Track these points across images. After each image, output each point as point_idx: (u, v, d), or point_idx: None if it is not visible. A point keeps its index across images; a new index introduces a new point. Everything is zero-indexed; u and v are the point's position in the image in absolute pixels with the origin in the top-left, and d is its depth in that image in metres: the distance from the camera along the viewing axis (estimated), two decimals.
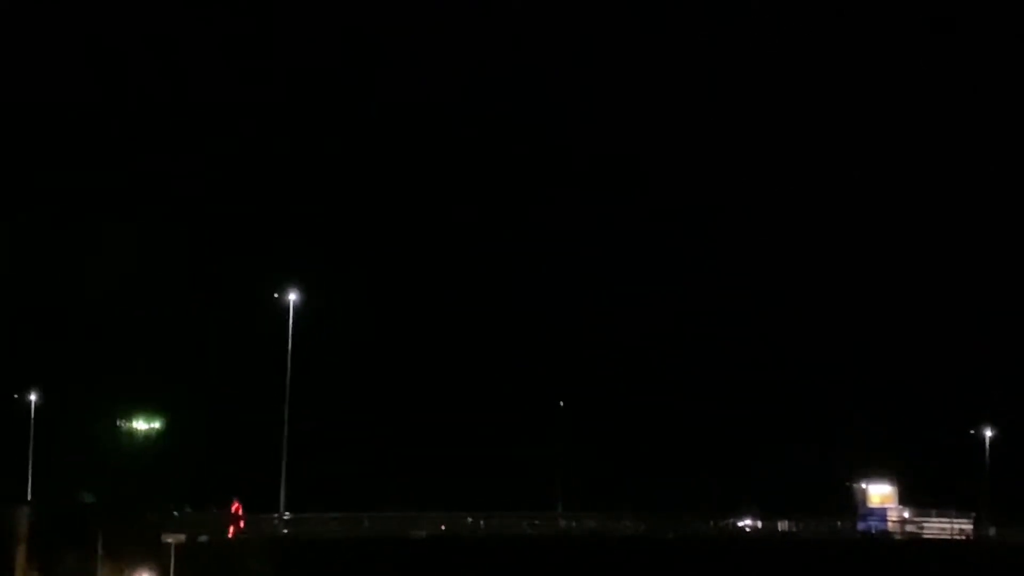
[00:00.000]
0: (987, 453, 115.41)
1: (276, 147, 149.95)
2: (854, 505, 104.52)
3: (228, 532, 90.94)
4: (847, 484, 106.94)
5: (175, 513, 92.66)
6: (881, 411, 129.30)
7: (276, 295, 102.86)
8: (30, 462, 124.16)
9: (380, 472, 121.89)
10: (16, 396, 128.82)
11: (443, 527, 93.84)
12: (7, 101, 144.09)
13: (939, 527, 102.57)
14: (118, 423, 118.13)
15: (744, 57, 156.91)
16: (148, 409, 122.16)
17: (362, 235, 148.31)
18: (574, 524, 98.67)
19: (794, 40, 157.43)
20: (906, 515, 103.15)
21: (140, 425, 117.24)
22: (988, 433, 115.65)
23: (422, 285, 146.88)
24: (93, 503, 79.43)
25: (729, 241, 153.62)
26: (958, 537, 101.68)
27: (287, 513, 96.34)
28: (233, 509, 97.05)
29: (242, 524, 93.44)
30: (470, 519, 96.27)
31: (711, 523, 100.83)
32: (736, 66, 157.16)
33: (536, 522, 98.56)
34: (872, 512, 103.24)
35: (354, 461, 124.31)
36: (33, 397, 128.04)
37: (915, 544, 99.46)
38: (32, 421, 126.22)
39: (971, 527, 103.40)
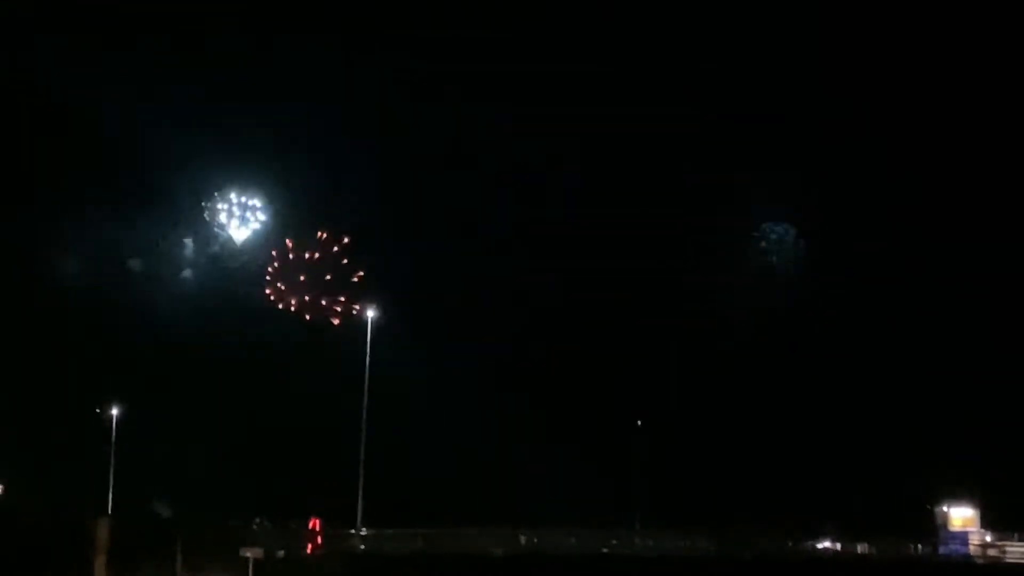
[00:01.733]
0: None
1: None
2: (935, 528, 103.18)
3: (306, 548, 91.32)
4: (928, 507, 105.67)
5: (255, 526, 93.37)
6: (963, 433, 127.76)
7: (355, 310, 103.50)
8: (111, 474, 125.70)
9: (459, 489, 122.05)
10: (98, 410, 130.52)
11: (520, 544, 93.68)
12: None
13: (1021, 552, 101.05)
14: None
15: None
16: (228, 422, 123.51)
17: (435, 252, 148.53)
18: (651, 543, 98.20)
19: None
20: (988, 539, 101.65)
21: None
22: None
23: (493, 296, 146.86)
24: (172, 515, 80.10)
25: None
26: None
27: (364, 529, 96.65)
28: (311, 526, 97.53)
29: (320, 540, 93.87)
30: (540, 538, 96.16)
31: (789, 544, 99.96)
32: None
33: (614, 541, 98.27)
34: (953, 535, 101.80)
35: (434, 477, 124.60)
36: (114, 411, 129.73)
37: (997, 569, 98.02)
38: (113, 434, 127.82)
39: None
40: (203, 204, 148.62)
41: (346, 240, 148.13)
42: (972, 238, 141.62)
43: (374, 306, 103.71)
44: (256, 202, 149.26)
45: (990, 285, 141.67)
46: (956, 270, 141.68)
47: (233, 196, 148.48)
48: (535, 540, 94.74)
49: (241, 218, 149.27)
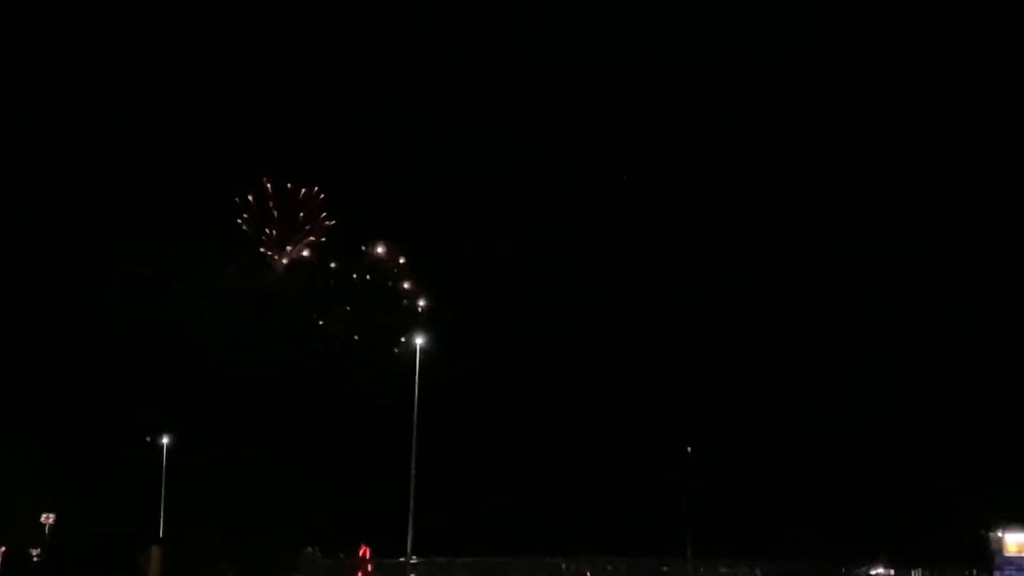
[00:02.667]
0: None
1: None
2: (990, 554, 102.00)
3: None
4: (982, 532, 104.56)
5: (307, 551, 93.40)
6: (1019, 456, 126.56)
7: (404, 338, 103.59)
8: (162, 502, 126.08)
9: (507, 515, 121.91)
10: (149, 439, 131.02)
11: (571, 572, 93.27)
12: None
13: None
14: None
15: None
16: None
17: (478, 275, 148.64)
18: (702, 570, 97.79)
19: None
20: None
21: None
22: None
23: (539, 323, 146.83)
24: (223, 544, 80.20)
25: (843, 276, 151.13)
26: None
27: (414, 557, 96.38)
28: (361, 553, 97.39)
29: (370, 568, 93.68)
30: (596, 564, 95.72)
31: (843, 570, 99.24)
32: None
33: (665, 568, 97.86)
34: (1010, 561, 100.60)
35: (481, 504, 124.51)
36: (165, 440, 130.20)
37: None
38: (164, 462, 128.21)
39: None
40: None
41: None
42: None
43: (422, 333, 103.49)
44: None
45: None
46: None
47: None
48: (586, 570, 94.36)
49: None
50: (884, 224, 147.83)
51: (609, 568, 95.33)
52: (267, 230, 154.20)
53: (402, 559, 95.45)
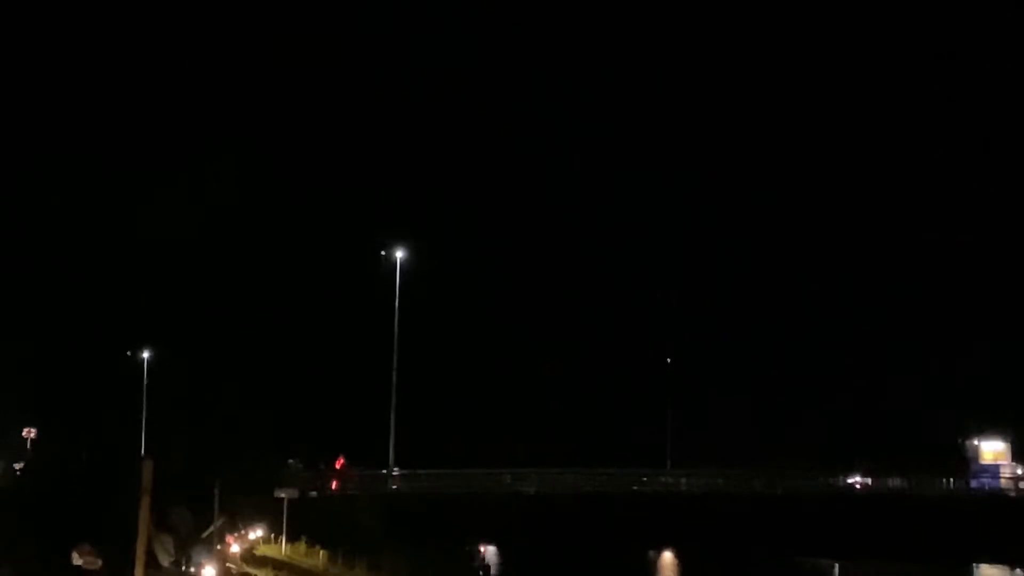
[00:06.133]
0: None
1: None
2: (966, 462, 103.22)
3: (331, 486, 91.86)
4: (959, 440, 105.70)
5: (288, 463, 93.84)
6: (993, 366, 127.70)
7: (383, 252, 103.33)
8: (143, 418, 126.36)
9: (487, 428, 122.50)
10: (129, 353, 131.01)
11: (552, 483, 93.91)
12: None
13: None
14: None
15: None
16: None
17: (468, 191, 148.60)
18: (682, 480, 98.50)
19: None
20: (1019, 472, 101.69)
21: None
22: None
23: (525, 242, 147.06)
24: (208, 457, 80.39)
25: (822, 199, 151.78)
26: None
27: (396, 469, 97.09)
28: (338, 464, 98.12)
29: (354, 476, 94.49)
30: (577, 475, 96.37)
31: (820, 480, 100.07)
32: None
33: (644, 478, 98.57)
34: (984, 469, 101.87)
35: (463, 417, 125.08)
36: (146, 354, 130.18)
37: None
38: (145, 378, 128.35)
39: None
40: None
41: None
42: None
43: (403, 244, 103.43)
44: None
45: None
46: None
47: None
48: (568, 480, 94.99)
49: None
50: None
51: (577, 477, 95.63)
52: None
53: (384, 471, 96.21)
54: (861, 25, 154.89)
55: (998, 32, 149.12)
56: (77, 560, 41.18)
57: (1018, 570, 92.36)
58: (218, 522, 56.96)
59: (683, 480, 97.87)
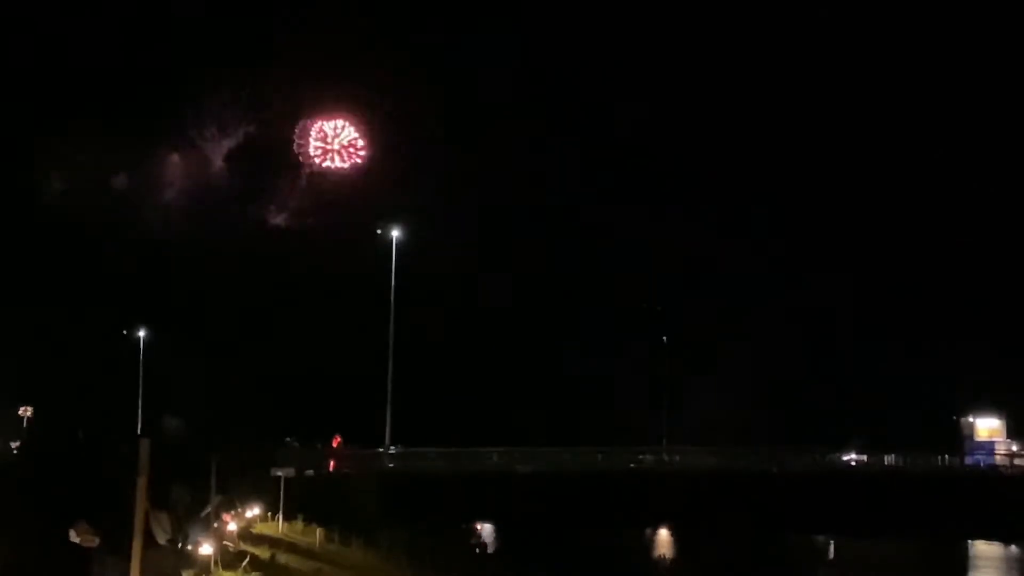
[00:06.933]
0: None
1: None
2: (961, 439, 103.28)
3: (329, 466, 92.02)
4: (954, 418, 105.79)
5: (285, 442, 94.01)
6: (990, 345, 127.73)
7: (379, 231, 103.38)
8: (139, 396, 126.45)
9: (484, 406, 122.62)
10: (125, 332, 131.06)
11: (548, 462, 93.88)
12: None
13: None
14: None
15: None
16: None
17: (461, 173, 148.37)
18: (677, 458, 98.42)
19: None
20: (1014, 449, 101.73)
21: None
22: None
23: (521, 222, 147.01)
24: (206, 436, 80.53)
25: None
26: None
27: (392, 447, 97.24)
28: (334, 444, 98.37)
29: (347, 453, 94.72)
30: (573, 453, 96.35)
31: (815, 457, 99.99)
32: None
33: (640, 457, 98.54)
34: (980, 446, 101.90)
35: (459, 396, 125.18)
36: (142, 333, 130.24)
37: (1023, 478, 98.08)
38: (141, 357, 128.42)
39: None
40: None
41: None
42: None
43: (398, 225, 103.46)
44: None
45: None
46: None
47: None
48: (565, 457, 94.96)
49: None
50: None
51: (573, 456, 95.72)
52: None
53: (381, 449, 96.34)
54: (861, 25, 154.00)
55: (998, 32, 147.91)
56: (74, 537, 41.21)
57: (1012, 546, 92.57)
58: (215, 500, 57.04)
59: (678, 459, 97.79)
